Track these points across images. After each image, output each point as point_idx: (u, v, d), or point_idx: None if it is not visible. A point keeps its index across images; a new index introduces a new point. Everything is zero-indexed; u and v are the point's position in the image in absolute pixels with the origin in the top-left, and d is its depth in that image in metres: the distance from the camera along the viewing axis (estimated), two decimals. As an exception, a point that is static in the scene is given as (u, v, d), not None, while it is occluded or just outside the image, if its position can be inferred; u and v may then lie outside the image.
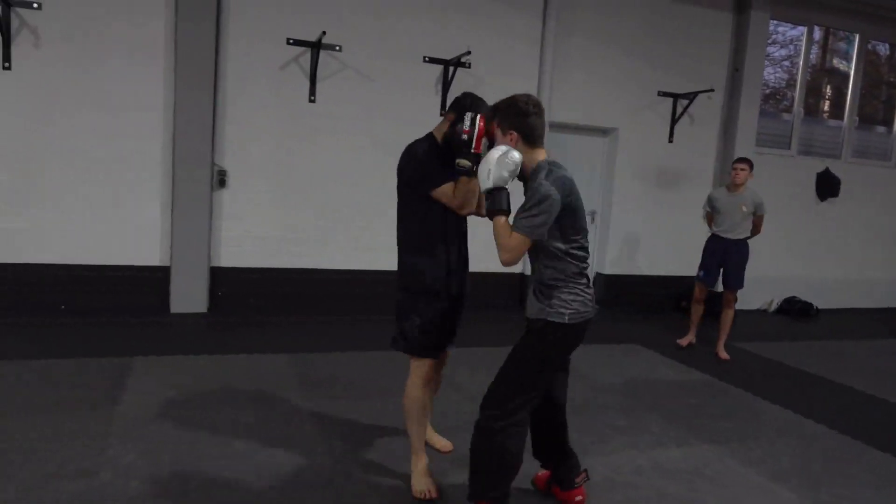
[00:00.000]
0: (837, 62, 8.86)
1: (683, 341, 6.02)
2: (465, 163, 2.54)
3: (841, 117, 8.58)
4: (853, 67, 8.49)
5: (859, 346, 6.55)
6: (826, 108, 9.01)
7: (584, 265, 2.53)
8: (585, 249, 2.52)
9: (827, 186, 8.23)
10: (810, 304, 8.05)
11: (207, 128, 5.74)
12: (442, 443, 3.29)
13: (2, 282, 5.42)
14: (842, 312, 8.36)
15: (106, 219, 5.64)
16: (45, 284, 5.53)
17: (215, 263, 6.00)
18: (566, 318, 2.44)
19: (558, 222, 2.40)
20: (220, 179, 5.89)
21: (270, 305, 6.16)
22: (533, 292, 2.54)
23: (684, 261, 7.52)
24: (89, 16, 5.41)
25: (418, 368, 2.80)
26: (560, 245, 2.45)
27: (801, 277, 8.25)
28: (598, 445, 3.48)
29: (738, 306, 6.02)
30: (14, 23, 5.23)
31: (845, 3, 7.86)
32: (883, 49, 9.02)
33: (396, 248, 2.82)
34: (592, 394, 4.33)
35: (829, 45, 8.79)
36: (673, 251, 7.72)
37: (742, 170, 5.64)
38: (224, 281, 6.03)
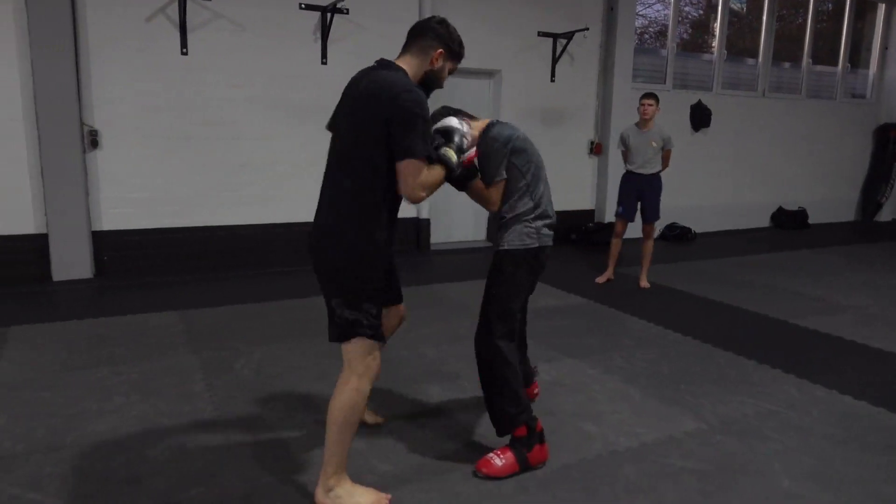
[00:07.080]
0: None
1: (601, 279, 6.06)
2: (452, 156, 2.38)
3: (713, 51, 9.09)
4: (720, 2, 8.97)
5: (724, 263, 7.15)
6: (704, 42, 9.49)
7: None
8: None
9: (700, 117, 8.75)
10: (689, 229, 8.66)
11: (71, 88, 5.47)
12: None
13: None
14: (717, 235, 9.05)
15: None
16: None
17: (97, 227, 5.83)
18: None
19: None
20: (93, 140, 5.67)
21: (158, 266, 6.07)
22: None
23: (570, 196, 7.91)
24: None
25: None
26: None
27: (680, 204, 8.81)
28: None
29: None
30: None
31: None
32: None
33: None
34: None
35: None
36: (558, 187, 8.04)
37: (650, 105, 5.66)
38: (109, 245, 5.88)
